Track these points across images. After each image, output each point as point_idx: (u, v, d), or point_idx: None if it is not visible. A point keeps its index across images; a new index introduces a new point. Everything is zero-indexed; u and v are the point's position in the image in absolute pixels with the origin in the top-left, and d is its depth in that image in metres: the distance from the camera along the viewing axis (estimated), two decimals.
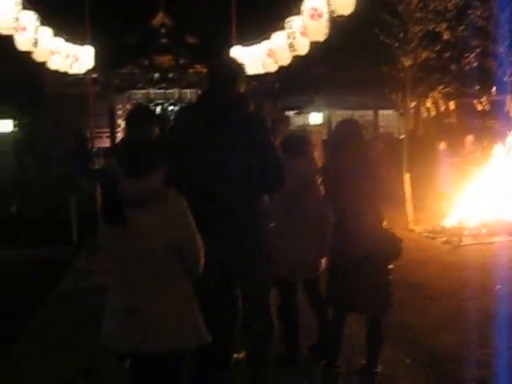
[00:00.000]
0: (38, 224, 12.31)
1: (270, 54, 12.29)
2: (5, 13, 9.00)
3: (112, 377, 4.75)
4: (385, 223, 4.74)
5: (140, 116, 4.78)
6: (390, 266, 4.75)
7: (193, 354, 3.62)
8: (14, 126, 17.32)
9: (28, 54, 10.89)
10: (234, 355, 4.76)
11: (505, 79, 14.02)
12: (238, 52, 14.36)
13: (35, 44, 10.45)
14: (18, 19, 9.28)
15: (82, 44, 14.23)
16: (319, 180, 5.14)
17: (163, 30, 24.30)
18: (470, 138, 13.39)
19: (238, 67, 4.25)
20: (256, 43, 13.27)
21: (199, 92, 24.82)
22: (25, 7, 9.53)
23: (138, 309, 3.23)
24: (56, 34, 11.86)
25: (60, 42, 12.38)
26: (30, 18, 10.00)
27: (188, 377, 3.64)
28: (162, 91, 24.77)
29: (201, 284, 3.44)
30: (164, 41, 24.36)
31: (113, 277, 3.45)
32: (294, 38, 10.52)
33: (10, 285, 8.25)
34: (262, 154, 3.91)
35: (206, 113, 4.01)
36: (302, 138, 5.59)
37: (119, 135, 23.02)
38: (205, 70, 25.09)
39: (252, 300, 4.18)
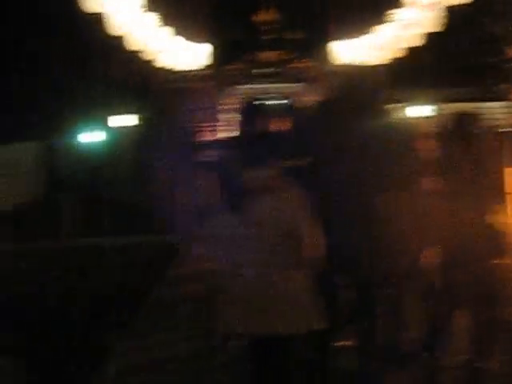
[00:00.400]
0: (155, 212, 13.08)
1: (380, 46, 12.25)
2: (130, 14, 9.70)
3: (226, 357, 5.01)
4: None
5: (252, 110, 5.09)
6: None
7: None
8: (139, 121, 18.30)
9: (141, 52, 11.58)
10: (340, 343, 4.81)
11: None
12: (342, 45, 14.45)
13: (157, 43, 11.13)
14: (142, 21, 9.97)
15: (199, 42, 14.82)
16: None
17: (268, 26, 24.68)
18: None
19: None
20: (364, 35, 13.26)
21: (303, 86, 25.19)
22: (148, 9, 10.22)
23: (254, 293, 3.39)
24: (176, 34, 12.48)
25: (180, 40, 13.01)
26: (153, 18, 10.66)
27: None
28: (266, 86, 25.10)
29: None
30: (270, 36, 24.71)
31: (230, 262, 3.56)
32: (401, 30, 10.54)
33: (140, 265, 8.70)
34: None
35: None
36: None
37: (228, 129, 23.66)
38: (309, 65, 25.39)
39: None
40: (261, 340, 3.45)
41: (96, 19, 9.81)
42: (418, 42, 10.47)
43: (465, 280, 4.46)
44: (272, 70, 25.01)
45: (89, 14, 9.19)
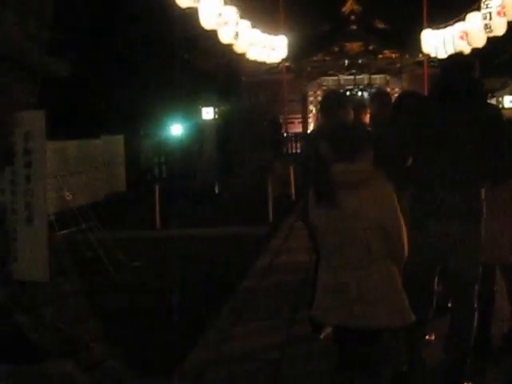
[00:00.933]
0: (239, 204, 13.39)
1: (464, 35, 12.06)
2: (209, 9, 9.90)
3: (308, 347, 5.08)
4: None
5: (335, 101, 5.01)
6: None
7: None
8: (215, 114, 18.51)
9: (229, 46, 11.78)
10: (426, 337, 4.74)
11: None
12: (428, 35, 14.29)
13: (236, 36, 11.29)
14: (221, 14, 10.16)
15: (277, 34, 14.94)
16: None
17: (353, 17, 24.57)
18: None
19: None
20: (448, 25, 13.08)
21: (388, 78, 24.96)
22: (226, 3, 10.39)
23: (346, 285, 3.40)
24: (253, 26, 12.63)
25: (257, 33, 13.15)
26: (232, 12, 10.83)
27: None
28: (351, 77, 25.04)
29: None
30: (353, 27, 24.62)
31: (321, 254, 3.65)
32: (490, 19, 10.35)
33: (215, 258, 8.79)
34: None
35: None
36: None
37: (310, 121, 23.72)
38: (394, 55, 25.11)
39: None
40: (352, 330, 3.45)
41: (188, 13, 10.02)
42: (501, 31, 10.18)
43: None
44: (359, 60, 24.87)
45: (181, 8, 9.39)
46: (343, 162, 3.40)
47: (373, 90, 22.08)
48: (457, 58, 4.46)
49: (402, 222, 3.43)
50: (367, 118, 6.31)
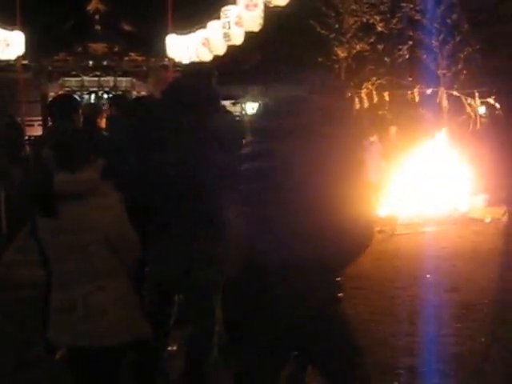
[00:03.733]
0: None
1: (205, 43, 12.24)
2: None
3: (51, 368, 4.75)
4: None
5: (63, 105, 4.75)
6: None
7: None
8: None
9: None
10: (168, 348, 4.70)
11: (438, 72, 14.32)
12: (173, 40, 14.26)
13: None
14: None
15: (12, 29, 13.98)
16: None
17: (97, 17, 23.94)
18: (393, 129, 13.71)
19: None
20: (192, 32, 13.21)
21: (134, 81, 24.80)
22: None
23: (73, 302, 3.21)
24: None
25: None
26: None
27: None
28: (96, 79, 24.46)
29: None
30: (98, 27, 24.00)
31: (51, 269, 3.44)
32: (229, 28, 10.52)
33: None
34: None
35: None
36: None
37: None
38: (140, 58, 24.98)
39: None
40: (84, 351, 3.27)
41: None
42: (239, 40, 10.44)
43: None
44: (103, 62, 24.37)
45: None
46: (66, 171, 3.17)
47: (119, 94, 21.69)
48: (195, 65, 4.53)
49: (133, 233, 3.29)
50: (103, 123, 6.09)
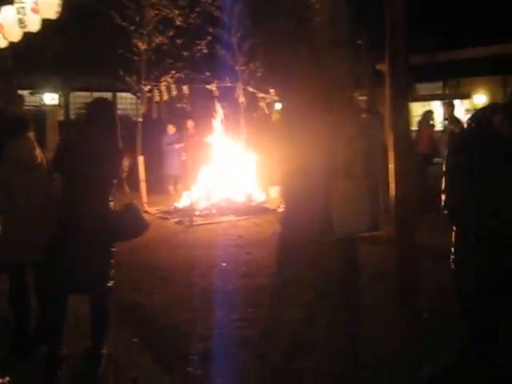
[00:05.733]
0: None
1: (0, 28, 11.62)
2: None
3: None
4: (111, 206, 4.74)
5: None
6: (114, 249, 4.76)
7: None
8: None
9: None
10: None
11: (236, 68, 14.73)
12: None
13: None
14: None
15: None
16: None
17: None
18: (190, 123, 14.00)
19: None
20: None
21: None
22: None
23: None
24: None
25: None
26: None
27: None
28: None
29: None
30: None
31: None
32: (24, 14, 10.08)
33: None
34: None
35: None
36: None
37: None
38: None
39: None
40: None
41: None
42: (36, 27, 10.05)
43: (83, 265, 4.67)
44: None
45: None
46: None
47: None
48: None
49: None
50: None
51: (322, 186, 3.25)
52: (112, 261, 4.74)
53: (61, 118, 21.83)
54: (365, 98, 15.51)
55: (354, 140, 3.32)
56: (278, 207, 3.71)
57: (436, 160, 11.99)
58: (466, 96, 21.47)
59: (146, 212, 12.50)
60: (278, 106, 15.32)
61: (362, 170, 3.38)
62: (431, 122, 13.31)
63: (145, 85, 13.61)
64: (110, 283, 4.77)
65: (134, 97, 20.48)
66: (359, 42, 13.78)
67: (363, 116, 4.03)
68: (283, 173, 3.67)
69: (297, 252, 3.54)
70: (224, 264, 8.25)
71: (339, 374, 3.60)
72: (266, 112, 14.51)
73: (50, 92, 21.93)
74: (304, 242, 3.47)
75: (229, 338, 5.53)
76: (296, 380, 3.60)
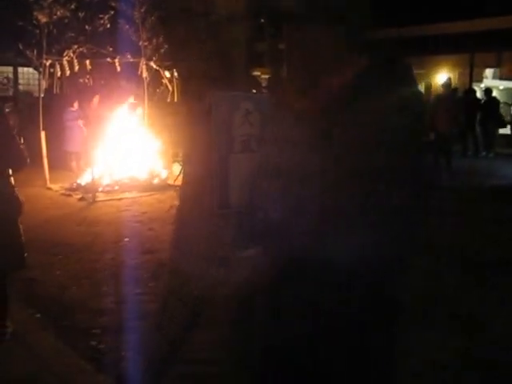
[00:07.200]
0: None
1: None
2: None
3: None
4: (12, 183, 4.72)
5: None
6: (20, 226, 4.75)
7: None
8: None
9: None
10: None
11: (140, 43, 14.59)
12: None
13: None
14: None
15: None
16: None
17: None
18: (96, 99, 13.84)
19: None
20: None
21: None
22: None
23: None
24: None
25: None
26: None
27: None
28: None
29: None
30: None
31: None
32: None
33: None
34: None
35: None
36: None
37: None
38: None
39: None
40: None
41: None
42: None
43: None
44: None
45: None
46: None
47: None
48: None
49: None
50: None
51: (219, 159, 3.33)
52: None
53: None
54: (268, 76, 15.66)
55: (250, 114, 3.42)
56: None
57: None
58: None
59: (48, 189, 12.32)
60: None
61: (258, 143, 3.49)
62: None
63: (46, 59, 13.29)
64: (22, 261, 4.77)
65: (36, 72, 19.99)
66: (262, 20, 13.88)
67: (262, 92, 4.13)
68: (183, 147, 3.74)
69: (194, 225, 3.63)
70: (126, 239, 8.27)
71: None
72: (170, 88, 14.47)
73: None
74: (201, 215, 3.55)
75: (130, 312, 5.60)
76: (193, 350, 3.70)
